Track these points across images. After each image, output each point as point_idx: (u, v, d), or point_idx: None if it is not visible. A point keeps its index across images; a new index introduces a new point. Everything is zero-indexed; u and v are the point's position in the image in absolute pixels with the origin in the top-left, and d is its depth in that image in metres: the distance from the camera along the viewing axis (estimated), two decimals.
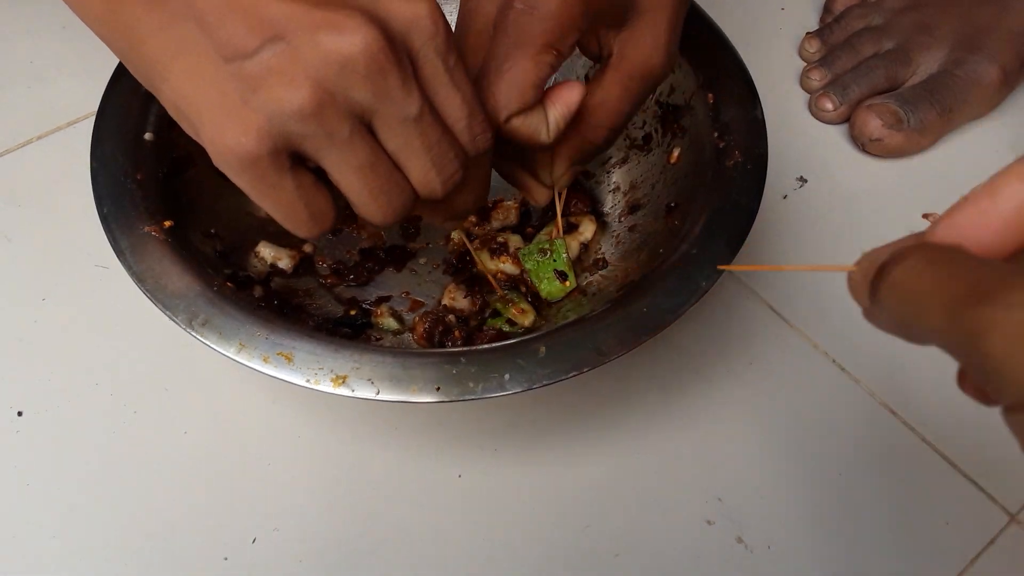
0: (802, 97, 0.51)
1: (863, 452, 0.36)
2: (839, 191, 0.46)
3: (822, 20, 0.55)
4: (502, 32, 0.28)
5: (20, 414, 0.37)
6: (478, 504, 0.34)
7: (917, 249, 0.18)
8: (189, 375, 0.38)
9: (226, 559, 0.33)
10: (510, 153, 0.33)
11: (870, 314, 0.19)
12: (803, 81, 0.51)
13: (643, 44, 0.30)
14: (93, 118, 0.37)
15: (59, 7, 0.56)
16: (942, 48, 0.48)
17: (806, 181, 0.46)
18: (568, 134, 0.32)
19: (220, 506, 0.34)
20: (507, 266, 0.39)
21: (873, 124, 0.46)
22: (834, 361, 0.39)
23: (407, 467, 0.35)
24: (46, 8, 0.56)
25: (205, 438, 0.36)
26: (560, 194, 0.37)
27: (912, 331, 0.18)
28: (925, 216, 0.45)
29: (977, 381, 0.17)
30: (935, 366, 0.39)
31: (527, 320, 0.37)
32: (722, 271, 0.32)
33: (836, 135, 0.49)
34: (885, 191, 0.46)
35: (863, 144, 0.47)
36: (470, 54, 0.30)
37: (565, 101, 0.29)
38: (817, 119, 0.49)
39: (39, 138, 0.48)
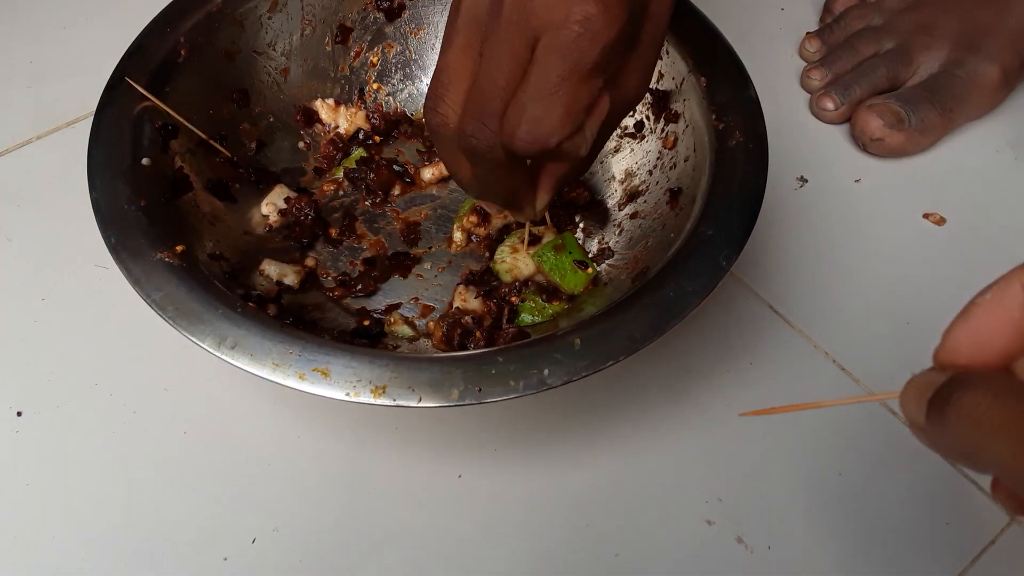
0: (802, 97, 0.51)
1: (863, 452, 0.36)
2: (840, 190, 0.46)
3: (822, 20, 0.55)
4: (553, 54, 0.27)
5: (20, 414, 0.37)
6: (478, 504, 0.34)
7: (984, 379, 0.18)
8: (189, 375, 0.38)
9: (226, 559, 0.33)
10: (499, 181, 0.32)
11: (929, 434, 0.20)
12: (803, 81, 0.51)
13: (635, 76, 0.30)
14: (92, 118, 0.37)
15: (59, 7, 0.56)
16: (942, 48, 0.48)
17: (807, 181, 0.46)
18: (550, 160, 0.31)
19: (220, 506, 0.34)
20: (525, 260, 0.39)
21: (874, 124, 0.46)
22: (834, 361, 0.39)
23: (407, 467, 0.35)
24: (46, 8, 0.56)
25: (205, 438, 0.36)
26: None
27: (976, 459, 0.18)
28: (925, 216, 0.45)
29: None
30: None
31: (554, 304, 0.38)
32: (739, 252, 0.32)
33: (837, 135, 0.49)
34: (887, 190, 0.46)
35: (864, 144, 0.47)
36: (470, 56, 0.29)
37: (599, 113, 0.29)
38: (818, 119, 0.49)
39: (39, 138, 0.48)
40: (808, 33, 0.53)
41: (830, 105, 0.48)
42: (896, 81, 0.48)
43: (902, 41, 0.49)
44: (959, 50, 0.47)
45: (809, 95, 0.50)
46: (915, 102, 0.46)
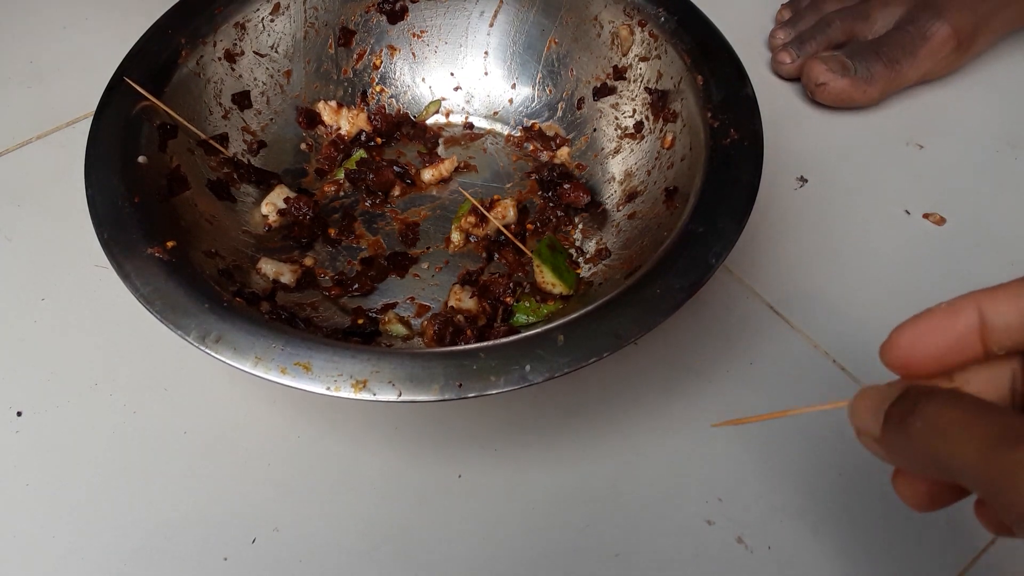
0: (802, 96, 0.51)
1: (863, 452, 0.36)
2: (840, 190, 0.46)
3: None
4: None
5: (20, 414, 0.37)
6: (478, 504, 0.34)
7: (941, 391, 0.19)
8: (189, 375, 0.38)
9: (226, 559, 0.33)
10: None
11: (885, 442, 0.21)
12: (769, 41, 0.53)
13: None
14: (91, 118, 0.37)
15: (59, 7, 0.56)
16: (900, 6, 0.50)
17: (807, 181, 0.46)
18: None
19: (220, 506, 0.34)
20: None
21: (818, 69, 0.48)
22: (834, 361, 0.39)
23: (407, 467, 0.35)
24: (46, 8, 0.56)
25: (205, 438, 0.36)
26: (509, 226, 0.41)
27: (941, 465, 0.19)
28: (925, 216, 0.45)
29: (1005, 519, 0.18)
30: None
31: (558, 290, 0.38)
32: (730, 248, 0.32)
33: (836, 135, 0.49)
34: (887, 190, 0.46)
35: (811, 91, 0.49)
36: None
37: None
38: (777, 75, 0.51)
39: (39, 138, 0.48)
40: (783, 4, 0.55)
41: (787, 59, 0.50)
42: (853, 37, 0.50)
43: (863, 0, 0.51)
44: (915, 9, 0.49)
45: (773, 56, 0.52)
46: (862, 54, 0.48)
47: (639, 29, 0.42)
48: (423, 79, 0.47)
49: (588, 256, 0.40)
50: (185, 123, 0.39)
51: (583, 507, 0.34)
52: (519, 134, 0.46)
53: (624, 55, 0.43)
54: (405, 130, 0.47)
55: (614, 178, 0.43)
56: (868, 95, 0.48)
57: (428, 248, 0.42)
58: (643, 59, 0.42)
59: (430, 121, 0.47)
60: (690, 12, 0.41)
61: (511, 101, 0.47)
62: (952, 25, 0.48)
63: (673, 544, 0.33)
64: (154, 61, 0.39)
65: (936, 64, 0.49)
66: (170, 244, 0.33)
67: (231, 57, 0.42)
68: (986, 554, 0.33)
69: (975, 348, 0.21)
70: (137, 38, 0.40)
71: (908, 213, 0.45)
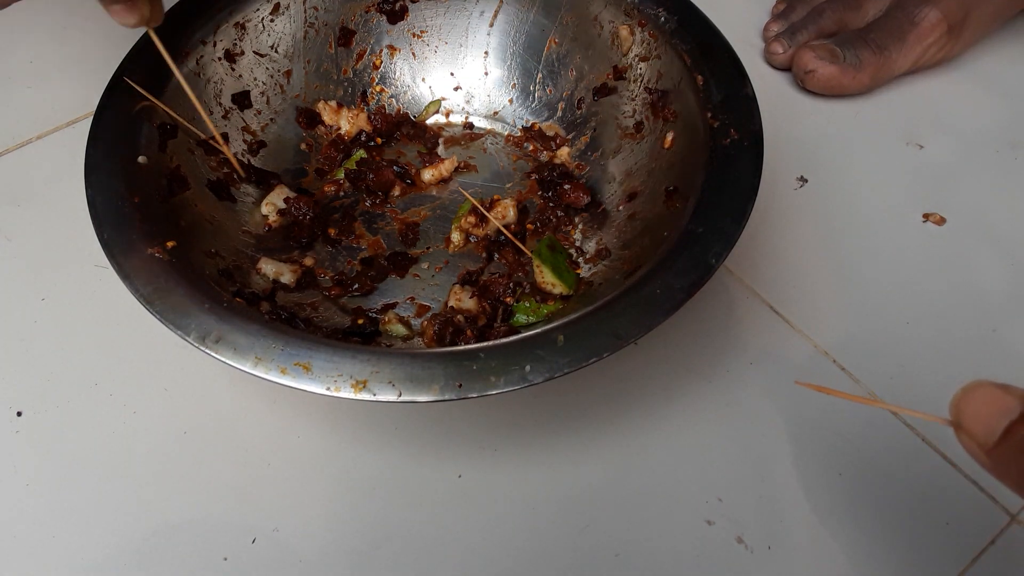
0: (802, 97, 0.51)
1: (863, 452, 0.36)
2: (840, 190, 0.46)
3: None
4: None
5: (20, 414, 0.37)
6: (478, 504, 0.34)
7: None
8: (189, 375, 0.38)
9: (226, 559, 0.33)
10: None
11: (1000, 459, 0.19)
12: (763, 33, 0.53)
13: None
14: (91, 118, 0.37)
15: (59, 7, 0.56)
16: None
17: (807, 181, 0.46)
18: None
19: (220, 506, 0.34)
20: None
21: (807, 57, 0.48)
22: (835, 361, 0.39)
23: (407, 467, 0.35)
24: (46, 8, 0.56)
25: (205, 438, 0.36)
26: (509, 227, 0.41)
27: None
28: (925, 216, 0.45)
29: None
30: (935, 367, 0.39)
31: (558, 290, 0.38)
32: (730, 248, 0.32)
33: (836, 135, 0.49)
34: (887, 190, 0.46)
35: (801, 79, 0.49)
36: None
37: None
38: (770, 65, 0.52)
39: (39, 138, 0.48)
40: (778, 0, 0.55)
41: (779, 49, 0.51)
42: (844, 26, 0.50)
43: None
44: None
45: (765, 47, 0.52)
46: (851, 41, 0.49)
47: (639, 29, 0.42)
48: (423, 79, 0.47)
49: (588, 256, 0.40)
50: (185, 123, 0.39)
51: (583, 507, 0.34)
52: (519, 134, 0.46)
53: (624, 55, 0.43)
54: (405, 130, 0.47)
55: (614, 178, 0.43)
56: (858, 81, 0.49)
57: (428, 248, 0.42)
58: (643, 59, 0.42)
59: (430, 121, 0.47)
60: (690, 12, 0.41)
61: (511, 101, 0.47)
62: (941, 10, 0.48)
63: (673, 544, 0.33)
64: (154, 61, 0.39)
65: (927, 51, 0.49)
66: (170, 244, 0.33)
67: (231, 57, 0.42)
68: (986, 554, 0.33)
69: None
70: (137, 38, 0.40)
71: (908, 213, 0.45)
